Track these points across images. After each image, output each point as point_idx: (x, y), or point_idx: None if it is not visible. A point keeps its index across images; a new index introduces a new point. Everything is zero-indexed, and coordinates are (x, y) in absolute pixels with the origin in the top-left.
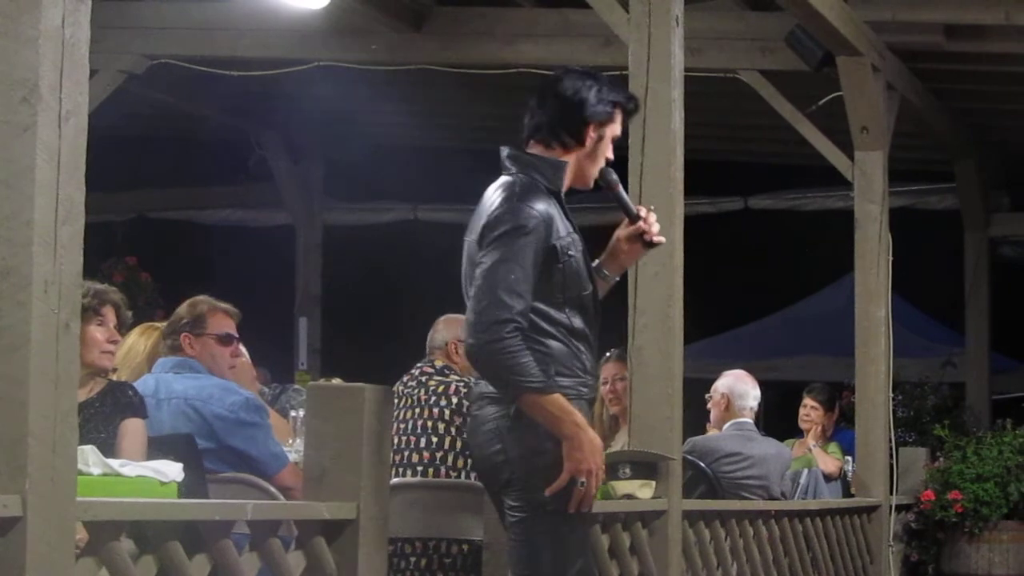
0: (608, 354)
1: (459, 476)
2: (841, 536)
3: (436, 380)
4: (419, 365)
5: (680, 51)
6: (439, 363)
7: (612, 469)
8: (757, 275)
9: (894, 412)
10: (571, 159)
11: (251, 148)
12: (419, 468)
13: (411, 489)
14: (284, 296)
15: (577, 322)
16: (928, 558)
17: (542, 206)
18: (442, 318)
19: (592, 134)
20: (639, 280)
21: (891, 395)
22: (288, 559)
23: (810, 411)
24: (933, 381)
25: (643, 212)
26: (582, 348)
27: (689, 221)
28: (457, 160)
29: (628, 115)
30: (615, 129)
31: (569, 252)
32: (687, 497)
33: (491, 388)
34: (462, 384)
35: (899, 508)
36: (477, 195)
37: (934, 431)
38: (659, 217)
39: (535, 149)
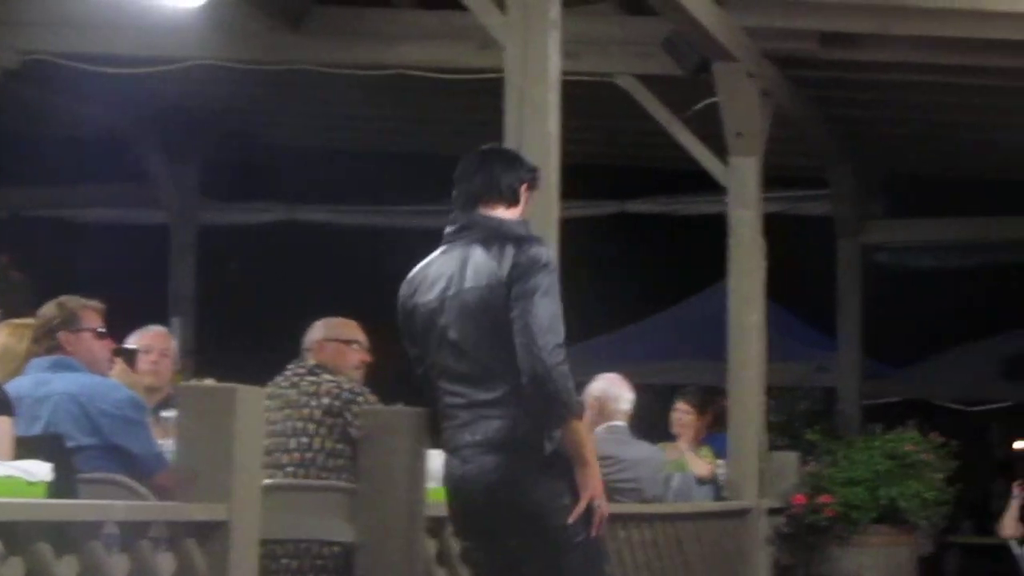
0: None
1: (329, 477)
2: (714, 539)
3: (308, 380)
4: (291, 366)
5: (557, 55)
6: (311, 362)
7: None
8: (633, 279)
9: (767, 416)
10: (512, 216)
11: (127, 147)
12: (289, 469)
13: (282, 490)
14: (158, 296)
15: None
16: (799, 562)
17: None
18: (319, 320)
19: (524, 194)
20: None
21: (764, 399)
22: (158, 560)
23: (682, 415)
24: (805, 386)
25: None
26: None
27: (565, 224)
28: (335, 161)
29: (533, 188)
30: (528, 193)
31: None
32: None
33: (506, 435)
34: (333, 384)
35: (771, 512)
36: (354, 196)
37: (806, 435)
38: (536, 220)
39: (484, 211)
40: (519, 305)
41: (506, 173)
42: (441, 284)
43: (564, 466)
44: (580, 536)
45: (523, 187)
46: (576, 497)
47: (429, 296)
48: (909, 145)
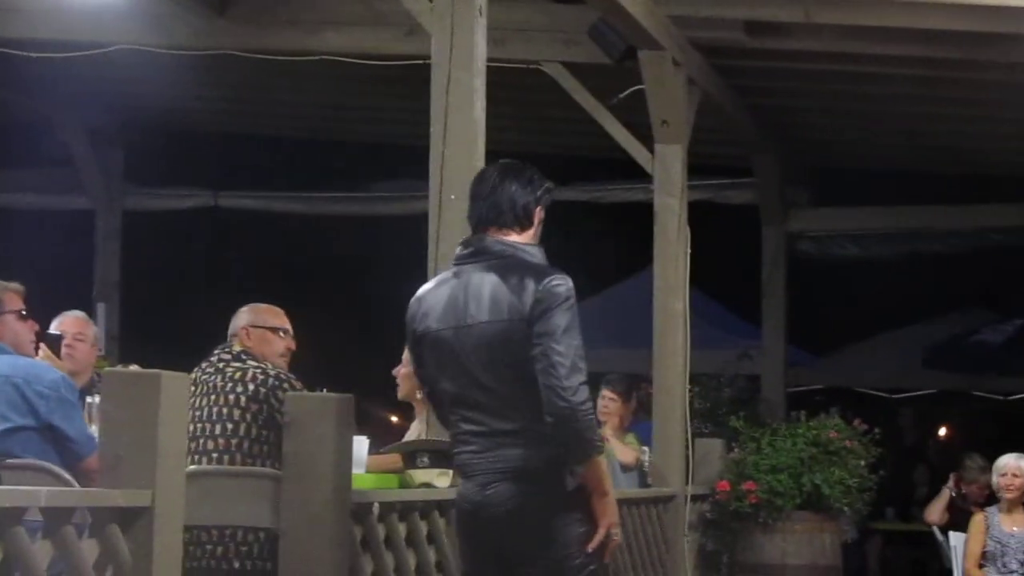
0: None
1: (255, 463)
2: (638, 526)
3: (234, 367)
4: (216, 351)
5: (483, 41)
6: (236, 348)
7: (410, 458)
8: (557, 267)
9: (691, 403)
10: (525, 240)
11: (51, 132)
12: (214, 455)
13: (207, 477)
14: (82, 282)
15: None
16: (723, 548)
17: None
18: (245, 307)
19: (537, 215)
20: (439, 270)
21: (688, 387)
22: (81, 547)
23: (608, 402)
24: (730, 373)
25: None
26: None
27: None
28: (259, 147)
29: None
30: (542, 213)
31: None
32: None
33: (525, 464)
34: (259, 371)
35: (695, 498)
36: (278, 182)
37: (730, 423)
38: (460, 206)
39: (496, 235)
40: (542, 343)
41: (522, 194)
42: (456, 312)
43: (581, 496)
44: (593, 564)
45: (538, 209)
46: (590, 526)
47: (442, 323)
48: (834, 134)
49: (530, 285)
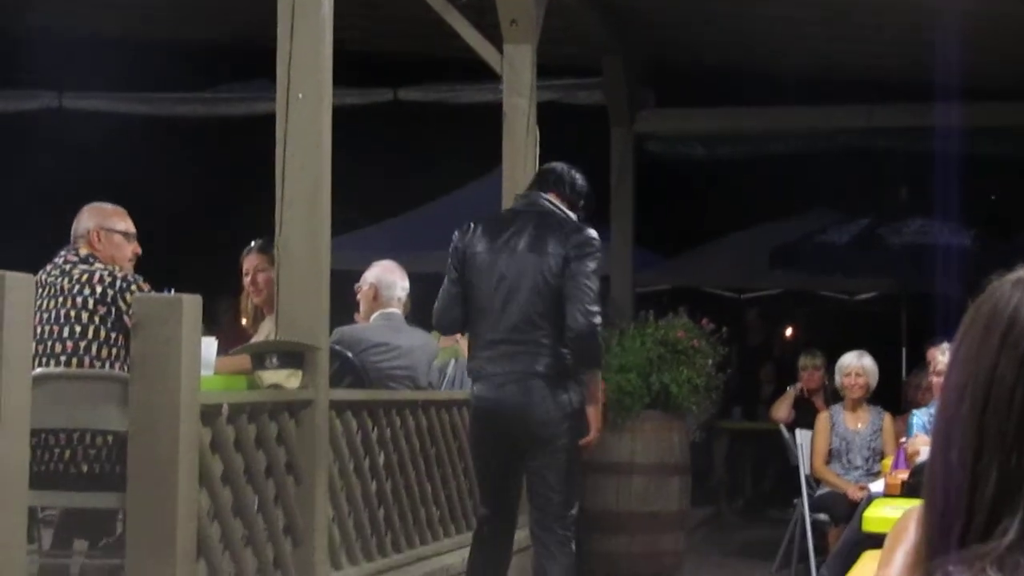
0: (250, 246)
1: (103, 366)
2: None
3: (80, 269)
4: (63, 253)
5: None
6: (83, 251)
7: (259, 359)
8: (407, 167)
9: None
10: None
11: None
12: (62, 358)
13: (54, 380)
14: None
15: None
16: None
17: None
18: (87, 207)
19: (578, 207)
20: (286, 171)
21: None
22: None
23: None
24: None
25: None
26: None
27: (337, 112)
28: (104, 49)
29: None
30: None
31: None
32: (334, 387)
33: (543, 368)
34: (106, 272)
35: None
36: (124, 84)
37: None
38: (307, 106)
39: (555, 198)
40: (577, 278)
41: (580, 186)
42: (505, 242)
43: (577, 398)
44: (577, 453)
45: (581, 203)
46: (582, 423)
47: (490, 250)
48: (682, 35)
49: (573, 233)
